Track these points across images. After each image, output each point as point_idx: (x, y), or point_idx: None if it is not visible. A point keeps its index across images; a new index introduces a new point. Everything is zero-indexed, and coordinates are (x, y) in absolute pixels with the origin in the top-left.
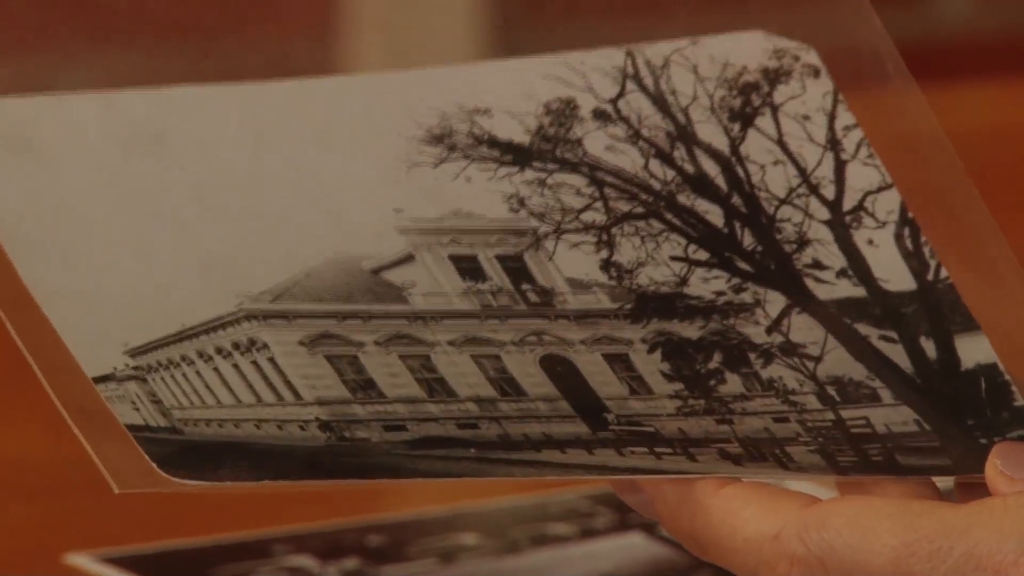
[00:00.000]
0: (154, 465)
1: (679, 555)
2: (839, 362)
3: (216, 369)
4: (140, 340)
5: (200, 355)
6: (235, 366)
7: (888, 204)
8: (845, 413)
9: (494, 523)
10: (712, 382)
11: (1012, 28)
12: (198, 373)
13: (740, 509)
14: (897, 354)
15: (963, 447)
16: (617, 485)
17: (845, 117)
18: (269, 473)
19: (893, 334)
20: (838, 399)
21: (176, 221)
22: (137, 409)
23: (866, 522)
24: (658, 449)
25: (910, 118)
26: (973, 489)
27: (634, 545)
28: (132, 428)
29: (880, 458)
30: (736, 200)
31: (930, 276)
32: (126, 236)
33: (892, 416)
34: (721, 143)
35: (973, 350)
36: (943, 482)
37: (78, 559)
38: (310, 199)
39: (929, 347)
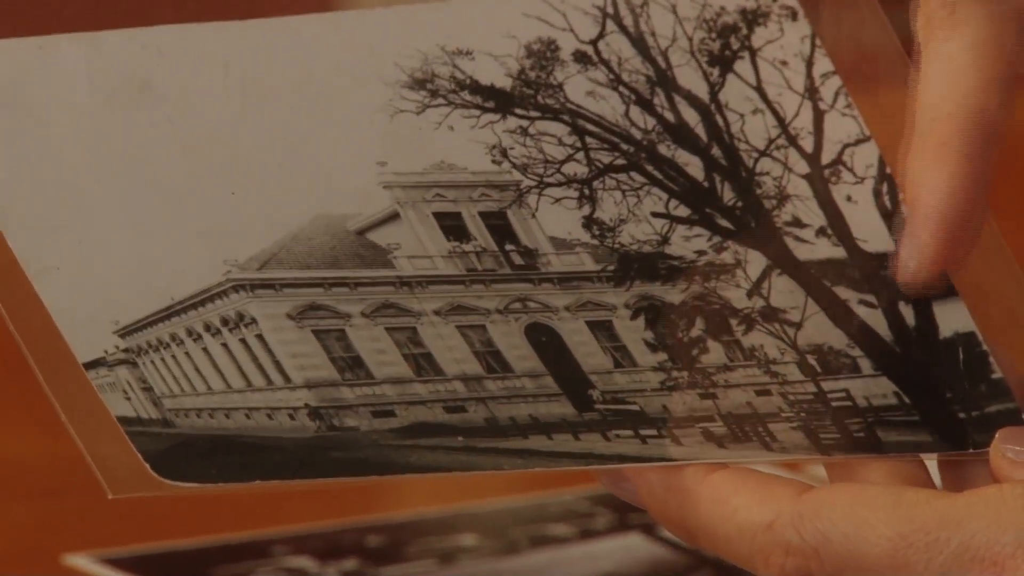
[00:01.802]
0: (147, 466)
1: (678, 555)
2: (819, 328)
3: (205, 349)
4: (130, 317)
5: (189, 333)
6: (224, 345)
7: (866, 158)
8: (826, 385)
9: (493, 524)
10: (695, 351)
11: None
12: (187, 354)
13: (730, 497)
14: (876, 320)
15: (943, 422)
16: (604, 476)
17: (823, 63)
18: (259, 473)
19: (872, 298)
20: (819, 370)
21: (164, 183)
22: (128, 399)
23: (862, 512)
24: (643, 432)
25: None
26: (956, 468)
27: (633, 546)
28: (124, 421)
29: (862, 434)
30: (716, 151)
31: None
32: (114, 201)
33: (872, 388)
34: (700, 89)
35: (952, 318)
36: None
37: (77, 560)
38: (295, 154)
39: (908, 313)
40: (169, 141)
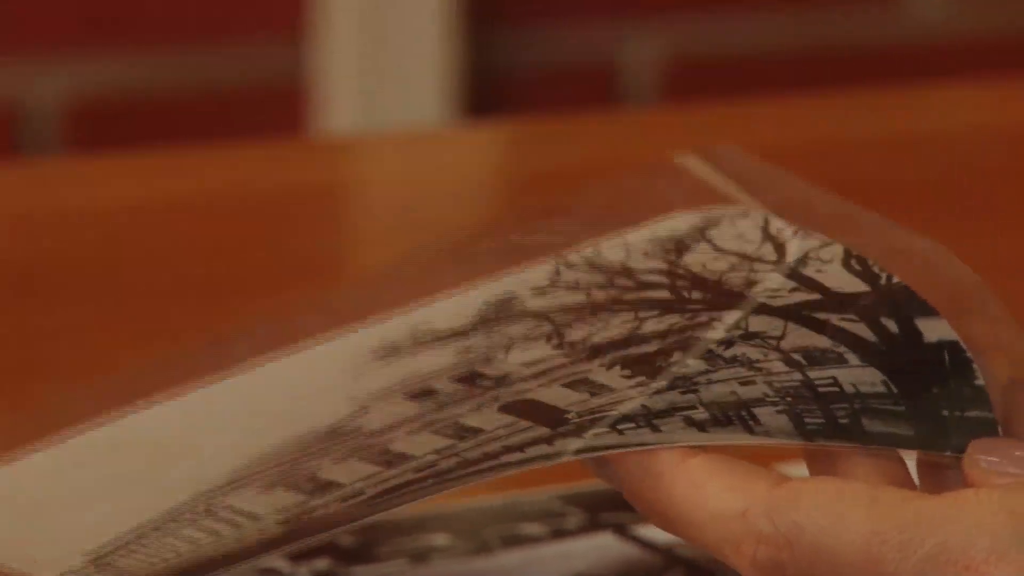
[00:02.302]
0: None
1: (651, 555)
2: (802, 337)
3: (174, 532)
4: (96, 542)
5: (156, 530)
6: (194, 522)
7: (832, 251)
8: (813, 374)
9: (465, 523)
10: (673, 368)
11: (987, 30)
12: (158, 540)
13: (705, 483)
14: (859, 329)
15: (926, 416)
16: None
17: (777, 222)
18: (226, 563)
19: (852, 316)
20: (804, 363)
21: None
22: None
23: (838, 506)
24: (620, 426)
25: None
26: (935, 470)
27: (606, 545)
28: None
29: (847, 420)
30: (681, 283)
31: (882, 282)
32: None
33: (860, 376)
34: (660, 266)
35: (934, 330)
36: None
37: None
38: (260, 430)
39: (890, 324)
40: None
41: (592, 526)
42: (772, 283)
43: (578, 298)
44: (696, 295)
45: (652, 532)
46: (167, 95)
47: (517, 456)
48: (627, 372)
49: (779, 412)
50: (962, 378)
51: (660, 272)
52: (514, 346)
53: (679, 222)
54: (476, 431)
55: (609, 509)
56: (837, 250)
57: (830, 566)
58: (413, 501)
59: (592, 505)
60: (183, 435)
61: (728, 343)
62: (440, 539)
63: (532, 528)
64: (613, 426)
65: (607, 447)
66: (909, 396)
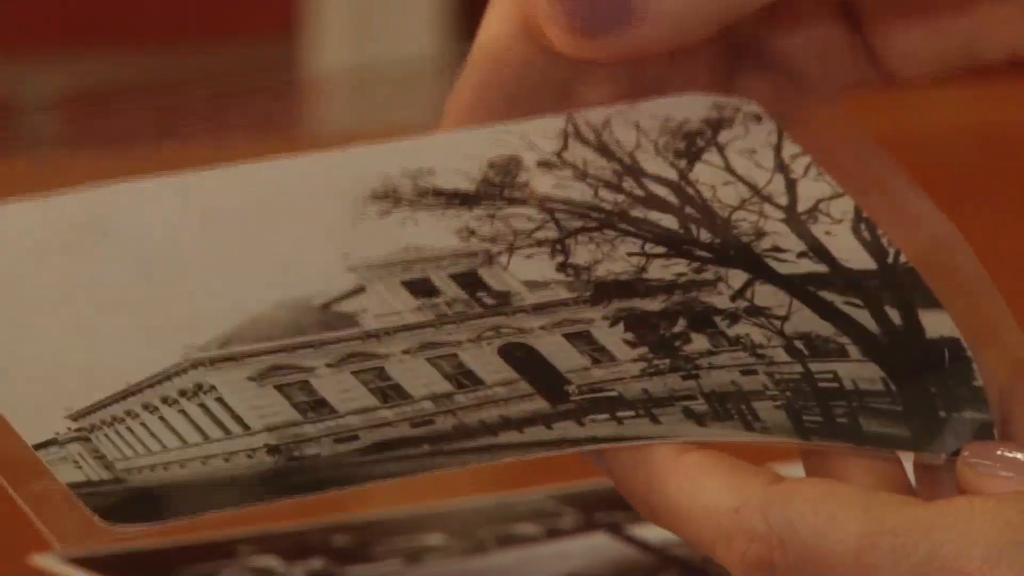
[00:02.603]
0: (95, 517)
1: (645, 555)
2: (806, 320)
3: (162, 418)
4: (82, 404)
5: (145, 407)
6: (181, 411)
7: (842, 207)
8: (813, 366)
9: (460, 523)
10: (677, 343)
11: None
12: (143, 424)
13: (699, 478)
14: (863, 317)
15: (923, 417)
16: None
17: (790, 148)
18: (214, 504)
19: (857, 300)
20: (806, 352)
21: (120, 298)
22: (80, 467)
23: (832, 507)
24: (620, 414)
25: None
26: (931, 471)
27: (600, 545)
28: (74, 486)
29: (845, 419)
30: (689, 210)
31: (890, 260)
32: (67, 317)
33: (860, 372)
34: (669, 174)
35: (936, 324)
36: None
37: (43, 559)
38: (257, 263)
39: (894, 315)
40: (126, 269)
41: (586, 526)
42: (781, 239)
43: (585, 196)
44: (704, 235)
45: (646, 532)
46: (160, 91)
47: (516, 437)
48: (630, 336)
49: (778, 407)
50: (961, 378)
51: (669, 185)
52: (516, 248)
53: (690, 106)
54: (475, 381)
55: (603, 509)
56: (848, 206)
57: (821, 568)
58: (406, 475)
59: (586, 505)
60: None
61: (733, 317)
62: (435, 539)
63: (527, 528)
64: (612, 414)
65: (607, 439)
66: (907, 396)
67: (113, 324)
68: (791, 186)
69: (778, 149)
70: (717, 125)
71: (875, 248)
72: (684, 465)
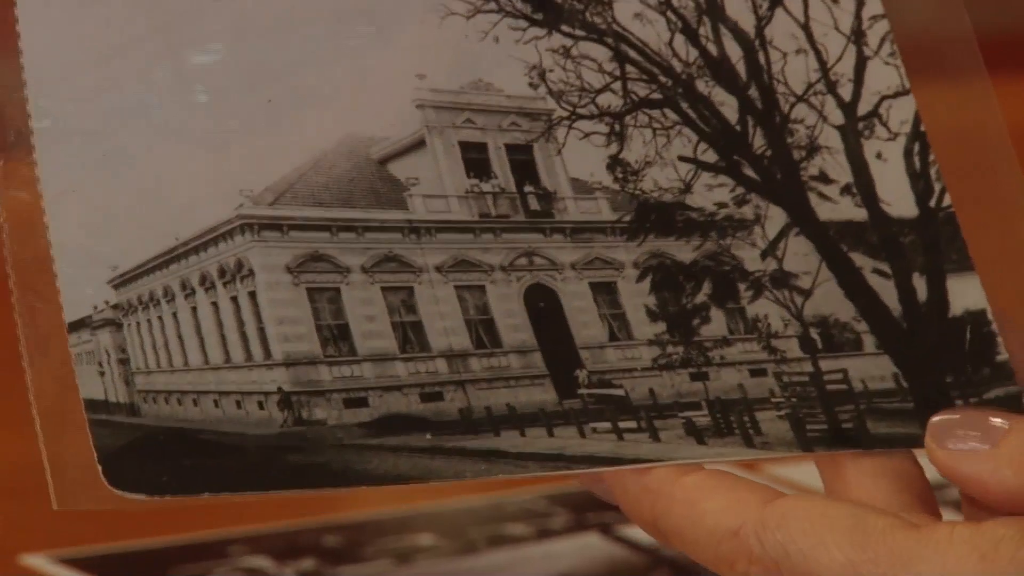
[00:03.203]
0: (99, 470)
1: (635, 555)
2: (828, 298)
3: (194, 309)
4: (130, 262)
5: (183, 287)
6: (214, 304)
7: (903, 112)
8: (824, 364)
9: (451, 524)
10: (695, 321)
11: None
12: (175, 315)
13: (701, 501)
14: (887, 292)
15: (936, 410)
16: (583, 479)
17: (873, 5)
18: (212, 482)
19: (886, 267)
20: (820, 345)
21: (202, 91)
22: (102, 373)
23: (820, 531)
24: (622, 424)
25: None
26: None
27: (590, 545)
28: (91, 405)
29: (850, 425)
30: (753, 92)
31: (932, 202)
32: (148, 107)
33: (871, 369)
34: (747, 22)
35: (964, 293)
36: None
37: (34, 560)
38: (338, 58)
39: (920, 286)
40: (212, 43)
41: (577, 526)
42: (830, 160)
43: (661, 41)
44: (759, 141)
45: (637, 532)
46: None
47: (517, 442)
48: (652, 300)
49: (781, 418)
50: (982, 357)
51: (743, 42)
52: (577, 115)
53: None
54: (494, 339)
55: (594, 509)
56: (909, 112)
57: None
58: (402, 481)
59: (577, 505)
60: None
61: (757, 288)
62: (425, 539)
63: (517, 528)
64: (615, 424)
65: (604, 460)
66: (919, 390)
67: (187, 135)
68: (860, 67)
69: (861, 2)
70: None
71: (923, 185)
72: (686, 488)
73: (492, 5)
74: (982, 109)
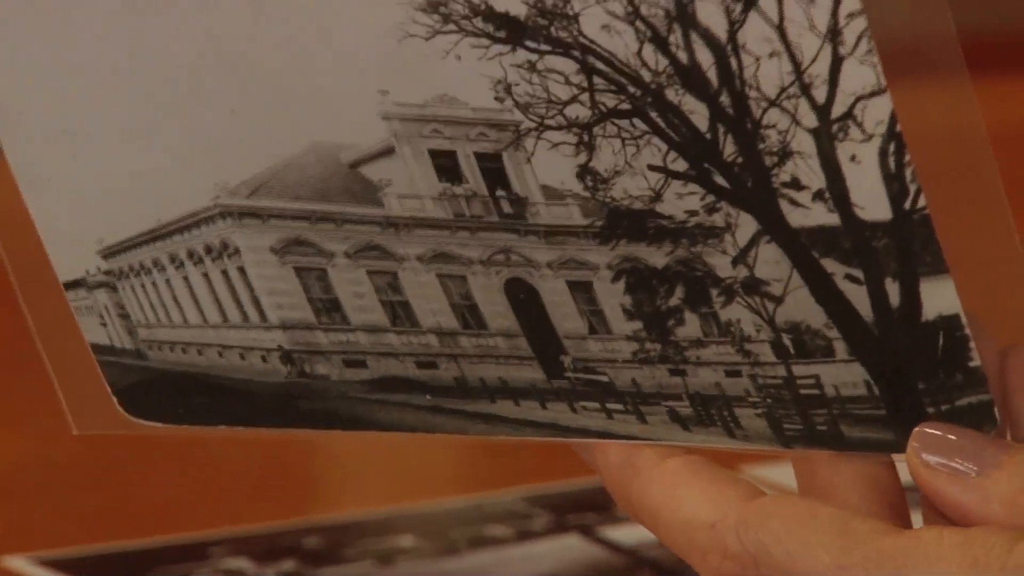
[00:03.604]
0: (115, 401)
1: (616, 556)
2: (799, 305)
3: (186, 278)
4: (115, 237)
5: (172, 259)
6: (205, 275)
7: (878, 113)
8: (797, 370)
9: (431, 525)
10: (670, 322)
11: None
12: (168, 282)
13: (681, 487)
14: (859, 298)
15: (909, 418)
16: (574, 444)
17: (851, 2)
18: (226, 417)
19: (859, 273)
20: (792, 351)
21: (167, 94)
22: (104, 324)
23: (805, 532)
24: (610, 405)
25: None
26: None
27: (571, 547)
28: (97, 349)
29: (825, 428)
30: (724, 99)
31: (907, 204)
32: (116, 109)
33: (843, 375)
34: (719, 27)
35: (937, 297)
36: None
37: (14, 561)
38: (300, 75)
39: (893, 291)
40: (177, 52)
41: (558, 528)
42: (802, 165)
43: (630, 51)
44: (729, 148)
45: (618, 534)
46: None
47: (512, 410)
48: (627, 301)
49: (759, 415)
50: (955, 364)
51: (715, 48)
52: (545, 126)
53: None
54: (479, 322)
55: (575, 510)
56: (884, 112)
57: None
58: (407, 429)
59: (558, 507)
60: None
61: (729, 293)
62: (406, 540)
63: (498, 530)
64: (603, 404)
65: (596, 433)
66: (891, 398)
67: (155, 133)
68: (835, 68)
69: (837, 1)
70: None
71: (897, 187)
72: (668, 471)
73: (451, 27)
74: (962, 110)
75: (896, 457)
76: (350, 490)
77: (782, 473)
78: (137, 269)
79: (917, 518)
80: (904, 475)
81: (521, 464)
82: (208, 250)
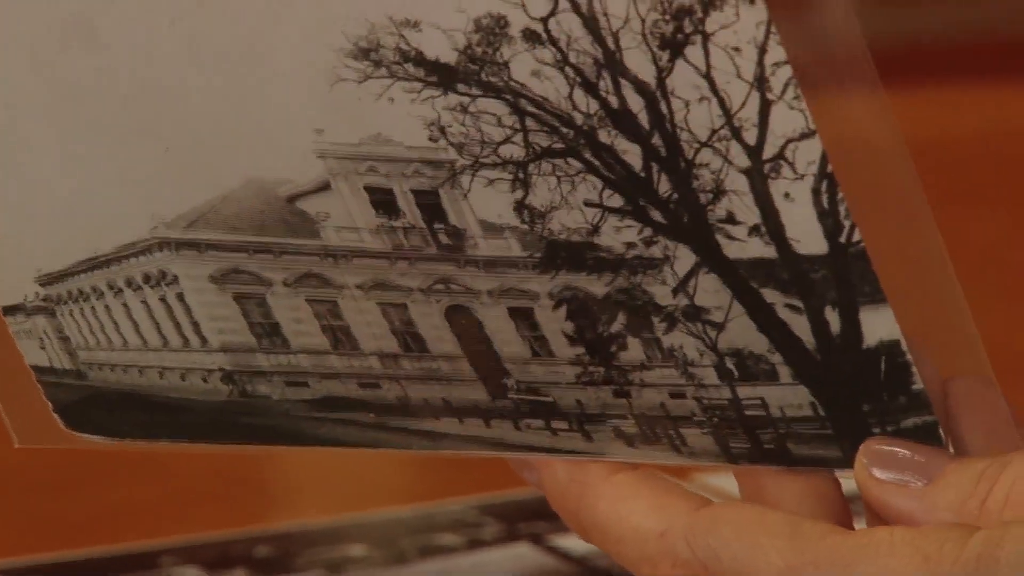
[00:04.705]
0: (56, 416)
1: (567, 565)
2: (741, 331)
3: (125, 304)
4: (52, 266)
5: (111, 287)
6: (143, 302)
7: (809, 154)
8: (741, 392)
9: (381, 534)
10: (613, 347)
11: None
12: (107, 308)
13: (629, 498)
14: (800, 326)
15: (855, 437)
16: (514, 462)
17: (776, 52)
18: (168, 432)
19: (798, 302)
20: (736, 374)
21: (100, 131)
22: (44, 347)
23: (755, 536)
24: (554, 424)
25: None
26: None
27: (522, 555)
28: (37, 370)
29: (772, 445)
30: (656, 140)
31: (843, 238)
32: (49, 144)
33: (788, 397)
34: (648, 74)
35: (877, 325)
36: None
37: None
38: (234, 115)
39: (833, 319)
40: (109, 90)
41: (509, 536)
42: (737, 202)
43: (560, 96)
44: (664, 186)
45: (568, 543)
46: None
47: (456, 428)
48: (569, 328)
49: (705, 434)
50: (898, 387)
51: (644, 94)
52: (481, 164)
53: None
54: (421, 346)
55: (525, 519)
56: (815, 153)
57: None
58: (350, 445)
59: (508, 515)
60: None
61: (670, 321)
62: (357, 550)
63: (449, 538)
64: (547, 423)
65: (542, 448)
66: (837, 418)
67: (91, 168)
68: (764, 112)
69: (762, 50)
70: (709, 3)
71: (831, 222)
72: (615, 485)
73: (383, 71)
74: (879, 125)
75: (841, 474)
76: (300, 499)
77: (731, 482)
78: (76, 295)
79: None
80: (846, 486)
81: (471, 473)
82: (147, 278)
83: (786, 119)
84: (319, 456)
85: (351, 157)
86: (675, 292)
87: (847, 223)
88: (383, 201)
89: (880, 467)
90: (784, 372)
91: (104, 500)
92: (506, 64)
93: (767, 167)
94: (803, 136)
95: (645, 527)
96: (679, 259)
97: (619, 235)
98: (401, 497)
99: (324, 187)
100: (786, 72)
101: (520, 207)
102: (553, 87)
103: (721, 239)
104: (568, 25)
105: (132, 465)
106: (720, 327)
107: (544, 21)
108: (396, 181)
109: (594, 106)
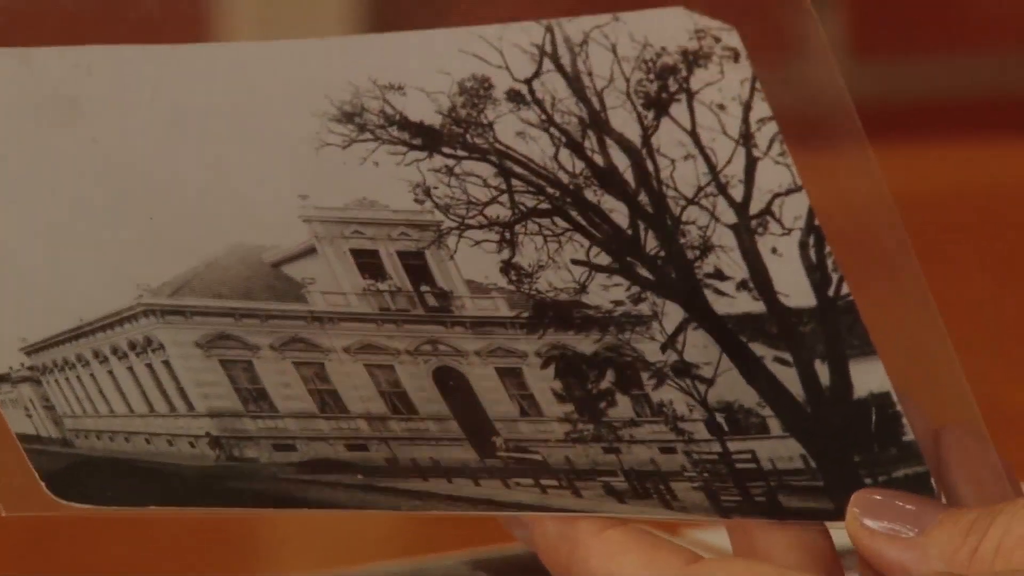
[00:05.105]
0: (43, 485)
1: None
2: (731, 386)
3: (111, 372)
4: (37, 335)
5: (96, 355)
6: (129, 369)
7: (796, 209)
8: (732, 445)
9: None
10: (602, 404)
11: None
12: (92, 376)
13: (619, 554)
14: (790, 379)
15: (847, 488)
16: (505, 519)
17: (761, 108)
18: (155, 498)
19: (788, 356)
20: (726, 428)
21: (83, 201)
22: (29, 416)
23: None
24: (544, 482)
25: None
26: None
27: None
28: (24, 439)
29: (763, 499)
30: (643, 198)
31: (831, 291)
32: (31, 215)
33: (779, 450)
34: (633, 133)
35: (867, 377)
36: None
37: None
38: (218, 182)
39: (823, 372)
40: (92, 160)
41: None
42: (724, 258)
43: (546, 156)
44: (651, 243)
45: None
46: None
47: (444, 487)
48: (558, 386)
49: (696, 489)
50: (889, 438)
51: (630, 152)
52: (467, 226)
53: (672, 25)
54: (409, 407)
55: (518, 575)
56: (802, 208)
57: None
58: (338, 506)
59: (500, 571)
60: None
61: (659, 377)
62: None
63: None
64: (537, 480)
65: (531, 506)
66: (828, 470)
67: (74, 238)
68: (750, 168)
69: (747, 108)
70: (693, 60)
71: (819, 276)
72: (605, 541)
73: (367, 135)
74: (866, 184)
75: (832, 526)
76: (290, 553)
77: (722, 537)
78: (61, 364)
79: None
80: (839, 540)
81: (463, 528)
82: (132, 346)
83: (772, 175)
84: (308, 513)
85: (336, 221)
86: (664, 348)
87: (835, 276)
88: (369, 264)
89: (872, 517)
90: (774, 425)
91: (90, 556)
92: (491, 125)
93: (754, 223)
94: (789, 191)
95: None
96: (667, 315)
97: (607, 293)
98: (391, 552)
99: (310, 251)
100: (771, 128)
101: (507, 267)
102: (538, 147)
103: (709, 294)
104: (552, 86)
105: (112, 521)
106: (710, 382)
107: (528, 82)
108: (382, 244)
109: (580, 166)
